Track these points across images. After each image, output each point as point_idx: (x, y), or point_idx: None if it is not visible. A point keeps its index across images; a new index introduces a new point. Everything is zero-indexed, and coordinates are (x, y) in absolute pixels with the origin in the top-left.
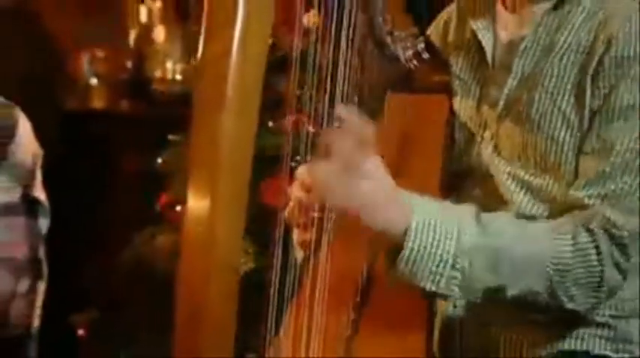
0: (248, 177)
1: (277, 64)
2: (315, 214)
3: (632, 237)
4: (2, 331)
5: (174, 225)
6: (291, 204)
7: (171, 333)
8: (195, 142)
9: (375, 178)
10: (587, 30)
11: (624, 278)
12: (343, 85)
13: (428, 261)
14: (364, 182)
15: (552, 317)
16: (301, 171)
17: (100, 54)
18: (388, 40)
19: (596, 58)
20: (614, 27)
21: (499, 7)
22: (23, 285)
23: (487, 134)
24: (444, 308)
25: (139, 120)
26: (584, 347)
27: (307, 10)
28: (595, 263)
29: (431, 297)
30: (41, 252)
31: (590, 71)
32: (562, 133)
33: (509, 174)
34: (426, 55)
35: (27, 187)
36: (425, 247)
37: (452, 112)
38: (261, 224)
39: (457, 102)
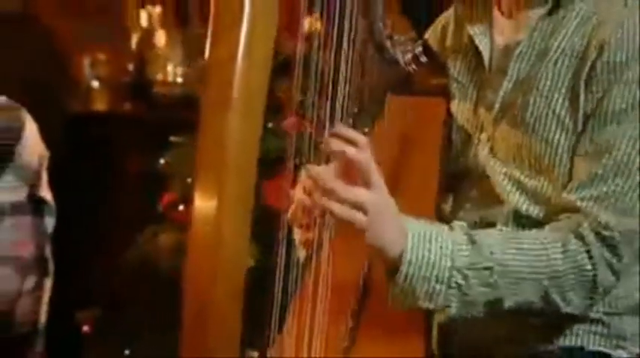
0: (254, 178)
1: (279, 68)
2: (317, 216)
3: (624, 238)
4: (10, 327)
5: (177, 224)
6: (293, 206)
7: (174, 330)
8: (201, 144)
9: (380, 192)
10: (580, 35)
11: (618, 278)
12: (344, 88)
13: (424, 281)
14: (370, 193)
15: (549, 315)
16: (304, 173)
17: (101, 57)
18: (388, 44)
19: (589, 63)
20: (607, 32)
21: (495, 12)
22: (30, 283)
23: (483, 136)
24: None
25: (141, 121)
26: (580, 343)
27: (309, 15)
28: (588, 267)
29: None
30: (47, 251)
31: (584, 76)
32: (556, 136)
33: (504, 174)
34: (424, 59)
35: (33, 187)
36: (420, 267)
37: (449, 114)
38: (264, 225)
39: (454, 105)
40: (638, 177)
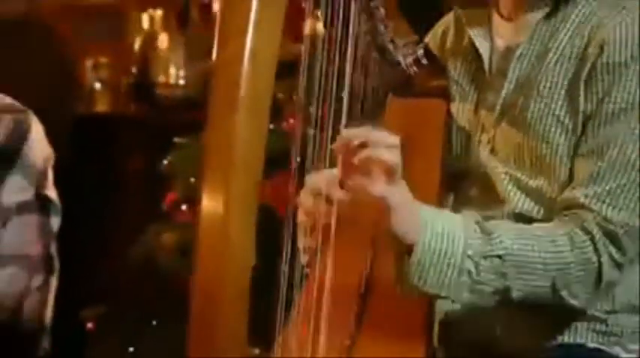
0: (260, 178)
1: (279, 70)
2: (323, 220)
3: (627, 233)
4: (18, 324)
5: (180, 223)
6: (300, 210)
7: (177, 327)
8: (208, 143)
9: (400, 184)
10: (580, 37)
11: (621, 273)
12: (346, 90)
13: (436, 268)
14: (391, 187)
15: (549, 312)
16: (310, 177)
17: (104, 60)
18: (390, 47)
19: (589, 64)
20: (606, 33)
21: (495, 15)
22: (37, 281)
23: (484, 137)
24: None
25: (143, 123)
26: (579, 341)
27: (312, 18)
28: (593, 259)
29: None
30: (53, 249)
31: (584, 76)
32: (556, 137)
33: (505, 174)
34: (425, 62)
35: (39, 187)
36: (433, 255)
37: (449, 116)
38: (261, 223)
39: (455, 106)
40: (636, 175)
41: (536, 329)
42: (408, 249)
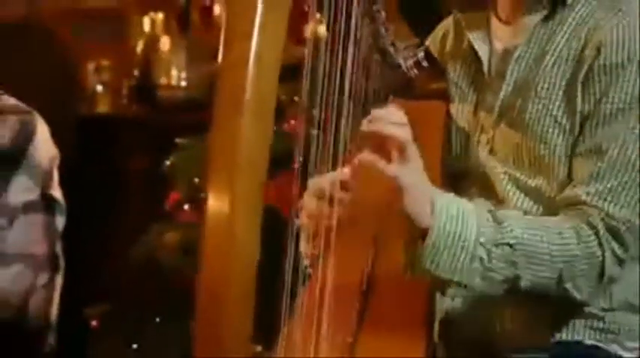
0: (265, 178)
1: (283, 72)
2: (326, 222)
3: (629, 230)
4: (24, 322)
5: (182, 223)
6: (302, 213)
7: (179, 325)
8: (214, 145)
9: (413, 165)
10: (577, 39)
11: (622, 269)
12: (348, 92)
13: (450, 253)
14: (403, 167)
15: (547, 309)
16: (313, 180)
17: (106, 62)
18: (391, 49)
19: (586, 66)
20: (603, 35)
21: (494, 19)
22: (42, 279)
23: (484, 137)
24: (443, 300)
25: (145, 124)
26: (577, 338)
27: (314, 21)
28: (597, 254)
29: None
30: (58, 248)
31: (581, 77)
32: (554, 137)
33: (504, 174)
34: (425, 64)
35: (45, 187)
36: (447, 239)
37: (449, 117)
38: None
39: (454, 108)
40: (636, 174)
41: (535, 327)
42: (421, 233)
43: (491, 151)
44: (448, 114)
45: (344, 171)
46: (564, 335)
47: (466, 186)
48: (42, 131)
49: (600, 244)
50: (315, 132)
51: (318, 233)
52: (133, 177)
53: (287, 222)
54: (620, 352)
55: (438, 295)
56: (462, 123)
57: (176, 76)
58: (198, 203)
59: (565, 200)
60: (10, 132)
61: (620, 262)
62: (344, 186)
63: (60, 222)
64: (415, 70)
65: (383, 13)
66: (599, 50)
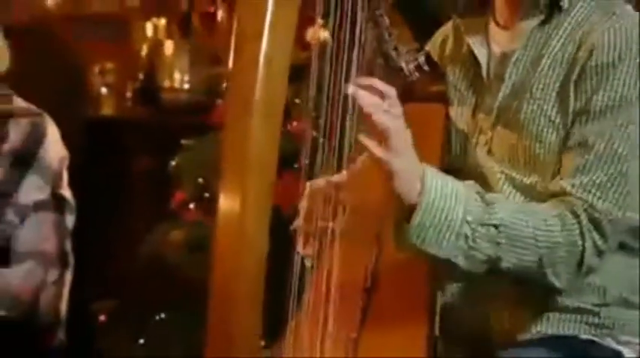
0: (274, 177)
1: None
2: (323, 224)
3: (611, 222)
4: (35, 317)
5: (188, 221)
6: (300, 216)
7: (184, 320)
8: (225, 145)
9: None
10: (572, 42)
11: (601, 260)
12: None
13: (436, 229)
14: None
15: (544, 304)
16: (312, 182)
17: (112, 66)
18: (394, 54)
19: (579, 67)
20: (596, 37)
21: (492, 24)
22: (52, 276)
23: (482, 138)
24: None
25: (150, 125)
26: (572, 332)
27: (316, 26)
28: (578, 243)
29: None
30: (68, 245)
31: (574, 78)
32: (548, 136)
33: (500, 173)
34: (426, 68)
35: (55, 186)
36: (435, 216)
37: (448, 119)
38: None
39: (453, 110)
40: (621, 168)
41: (531, 321)
42: (410, 208)
43: (489, 152)
44: (447, 116)
45: (343, 174)
46: (560, 330)
47: None
48: (52, 132)
49: (582, 233)
50: (318, 135)
51: (314, 234)
52: (139, 177)
53: (288, 220)
54: (614, 345)
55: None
56: (461, 125)
57: (179, 79)
58: (203, 202)
59: (552, 191)
60: (21, 134)
61: (600, 253)
62: (341, 188)
63: (70, 220)
64: (416, 74)
65: (386, 19)
66: (591, 52)
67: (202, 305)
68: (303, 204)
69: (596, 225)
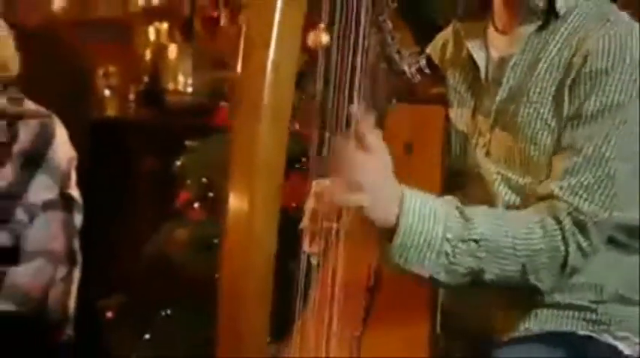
0: (282, 178)
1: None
2: (328, 224)
3: (596, 224)
4: (44, 313)
5: (192, 220)
6: (305, 215)
7: (189, 316)
8: (234, 147)
9: (376, 153)
10: (568, 47)
11: (586, 260)
12: (358, 97)
13: (417, 249)
14: (368, 157)
15: (542, 301)
16: (317, 184)
17: (118, 69)
18: (396, 57)
19: (574, 72)
20: (591, 44)
21: (491, 29)
22: (61, 273)
23: (481, 140)
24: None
25: (154, 127)
26: (570, 328)
27: (317, 30)
28: (561, 248)
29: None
30: (76, 244)
31: (568, 82)
32: (543, 138)
33: (497, 174)
34: (427, 71)
35: (64, 186)
36: (414, 237)
37: (448, 121)
38: None
39: (453, 112)
40: (608, 171)
41: (530, 317)
42: (391, 230)
43: (488, 153)
44: (448, 118)
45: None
46: (558, 326)
47: (463, 185)
48: (60, 134)
49: (564, 238)
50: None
51: (319, 234)
52: (145, 177)
53: (292, 219)
54: (611, 341)
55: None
56: (461, 127)
57: (183, 82)
58: (207, 201)
59: (539, 193)
60: (31, 135)
61: (585, 255)
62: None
63: (77, 219)
64: (418, 76)
65: (389, 23)
66: (586, 58)
67: (206, 301)
68: (308, 205)
69: (581, 227)
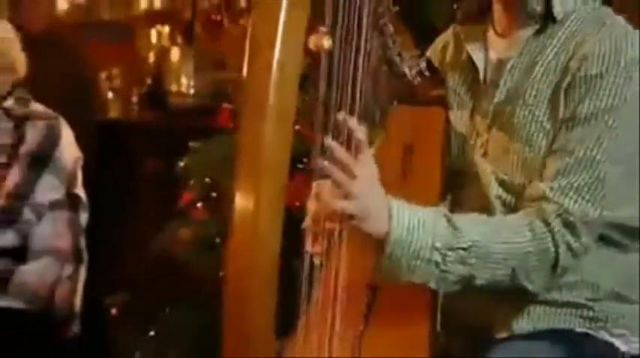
0: (287, 178)
1: None
2: (330, 225)
3: (586, 224)
4: (51, 310)
5: (196, 219)
6: (308, 216)
7: (193, 313)
8: (241, 147)
9: (362, 162)
10: (565, 51)
11: (576, 259)
12: (360, 99)
13: (407, 259)
14: (356, 183)
15: (540, 299)
16: (317, 184)
17: (123, 72)
18: (397, 60)
19: (570, 75)
20: (587, 48)
21: (490, 32)
22: (67, 271)
23: (479, 141)
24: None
25: (158, 128)
26: (568, 325)
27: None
28: (551, 250)
29: None
30: (82, 242)
31: (564, 86)
32: (539, 140)
33: (492, 173)
34: (427, 73)
35: (70, 186)
36: (403, 248)
37: (448, 122)
38: None
39: (453, 113)
40: (598, 173)
41: (528, 315)
42: (380, 243)
43: (485, 154)
44: (447, 119)
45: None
46: (556, 324)
47: (462, 186)
48: (67, 135)
49: (554, 240)
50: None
51: (321, 234)
52: (147, 177)
53: (294, 218)
54: (608, 338)
55: None
56: (460, 128)
57: (185, 84)
58: (210, 201)
59: (529, 193)
60: (38, 136)
61: (575, 255)
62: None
63: (83, 218)
64: (418, 79)
65: (391, 27)
66: (582, 62)
67: (209, 299)
68: (310, 205)
69: (571, 228)
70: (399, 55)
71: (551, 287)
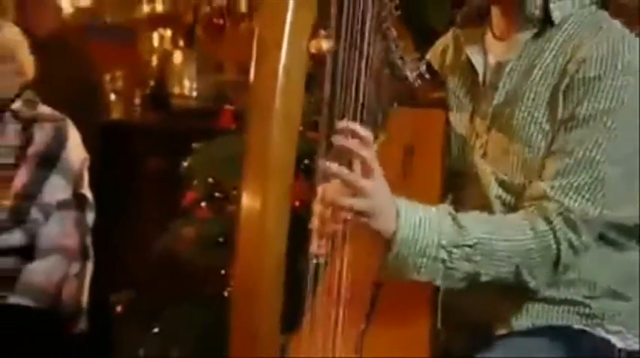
0: (292, 178)
1: None
2: (335, 227)
3: (586, 222)
4: (58, 307)
5: (199, 219)
6: (314, 217)
7: (196, 310)
8: (248, 148)
9: (378, 179)
10: (563, 54)
11: (577, 256)
12: (363, 100)
13: (414, 258)
14: (370, 181)
15: (539, 296)
16: (324, 186)
17: (118, 73)
18: (399, 63)
19: (568, 78)
20: (585, 51)
21: (489, 35)
22: (74, 269)
23: (478, 142)
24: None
25: (161, 129)
26: (565, 322)
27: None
28: (553, 247)
29: None
30: (88, 241)
31: (563, 88)
32: (537, 141)
33: (492, 174)
34: (427, 76)
35: (77, 186)
36: (410, 246)
37: (448, 124)
38: None
39: (453, 115)
40: (598, 174)
41: (527, 312)
42: (387, 242)
43: (484, 155)
44: (447, 121)
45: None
46: (554, 320)
47: (462, 187)
48: (73, 136)
49: (556, 238)
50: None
51: (325, 235)
52: (153, 177)
53: (297, 218)
54: (604, 335)
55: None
56: (460, 130)
57: (188, 87)
58: (214, 201)
59: (530, 193)
60: (45, 138)
61: (576, 252)
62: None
63: (90, 217)
64: (419, 81)
65: (394, 31)
66: (580, 65)
67: (212, 296)
68: (315, 207)
69: (572, 226)
70: (401, 58)
71: (553, 285)
